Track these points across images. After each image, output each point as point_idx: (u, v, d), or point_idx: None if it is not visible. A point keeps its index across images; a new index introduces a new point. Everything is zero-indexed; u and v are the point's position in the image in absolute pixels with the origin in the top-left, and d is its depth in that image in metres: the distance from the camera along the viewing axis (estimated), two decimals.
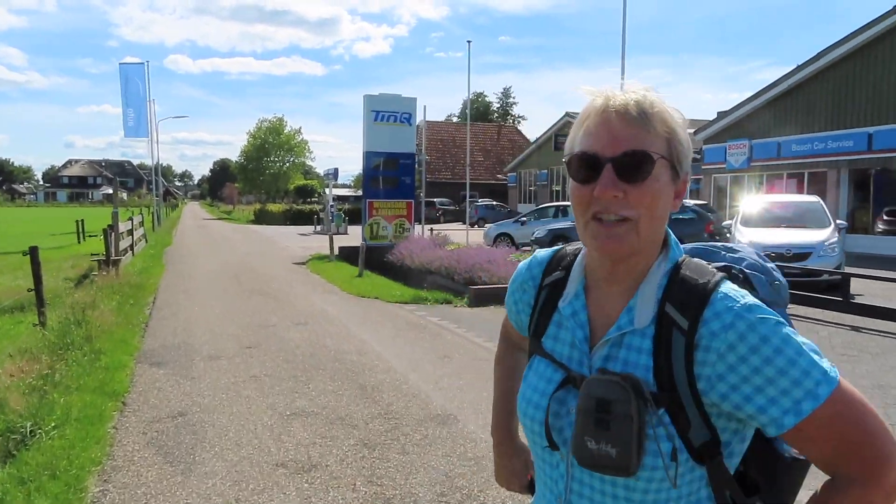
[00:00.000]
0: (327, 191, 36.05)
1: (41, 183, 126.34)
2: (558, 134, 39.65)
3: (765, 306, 0.96)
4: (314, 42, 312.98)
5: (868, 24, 19.57)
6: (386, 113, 19.95)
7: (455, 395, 5.55)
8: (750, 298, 0.97)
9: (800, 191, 21.21)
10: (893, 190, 20.11)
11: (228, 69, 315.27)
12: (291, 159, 57.09)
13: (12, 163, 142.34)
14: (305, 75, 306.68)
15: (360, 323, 8.84)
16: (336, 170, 32.14)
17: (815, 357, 0.93)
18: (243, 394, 5.58)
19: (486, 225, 31.01)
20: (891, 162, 19.36)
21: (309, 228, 34.69)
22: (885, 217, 20.00)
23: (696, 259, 1.05)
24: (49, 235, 27.52)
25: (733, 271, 1.08)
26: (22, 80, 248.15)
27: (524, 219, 21.53)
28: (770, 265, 1.13)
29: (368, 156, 19.77)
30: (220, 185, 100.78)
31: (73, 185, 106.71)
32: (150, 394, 5.57)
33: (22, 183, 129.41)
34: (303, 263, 17.23)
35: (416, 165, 21.39)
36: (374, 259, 18.37)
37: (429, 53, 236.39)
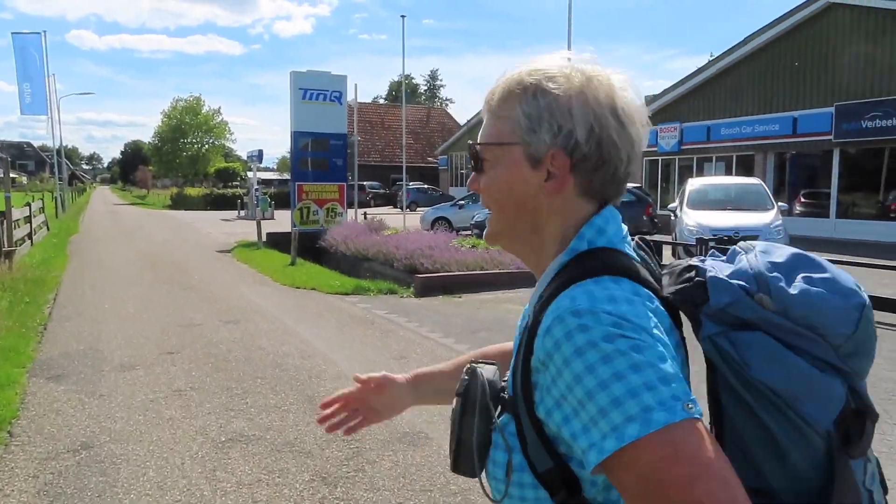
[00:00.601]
0: (251, 174, 34.19)
1: None
2: None
3: (608, 314, 0.76)
4: (231, 20, 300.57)
5: (793, 9, 19.84)
6: (315, 91, 18.94)
7: (422, 407, 4.75)
8: (599, 303, 0.77)
9: (728, 174, 21.46)
10: (808, 173, 20.64)
11: (139, 46, 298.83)
12: (211, 141, 54.14)
13: None
14: (223, 54, 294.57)
15: (299, 318, 7.89)
16: (260, 151, 30.50)
17: (647, 386, 0.71)
18: (165, 414, 4.59)
19: (419, 209, 30.20)
20: (812, 146, 19.77)
21: (232, 214, 32.88)
22: (802, 199, 20.48)
23: (608, 252, 0.86)
24: None
25: (691, 273, 0.87)
26: None
27: (462, 202, 20.86)
28: (782, 275, 0.83)
29: (296, 136, 18.70)
30: (132, 168, 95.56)
31: None
32: (46, 419, 4.50)
33: None
34: (228, 251, 15.95)
35: (347, 147, 20.43)
36: (305, 246, 17.38)
37: (352, 35, 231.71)
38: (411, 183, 42.96)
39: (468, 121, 42.91)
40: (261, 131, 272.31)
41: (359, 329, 7.34)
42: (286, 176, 51.43)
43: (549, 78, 0.88)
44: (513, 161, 0.89)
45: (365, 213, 22.12)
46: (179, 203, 42.46)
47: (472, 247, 13.01)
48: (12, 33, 28.07)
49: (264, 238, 17.64)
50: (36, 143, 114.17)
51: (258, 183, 30.60)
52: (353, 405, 1.27)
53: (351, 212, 20.03)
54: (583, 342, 0.75)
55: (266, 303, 8.90)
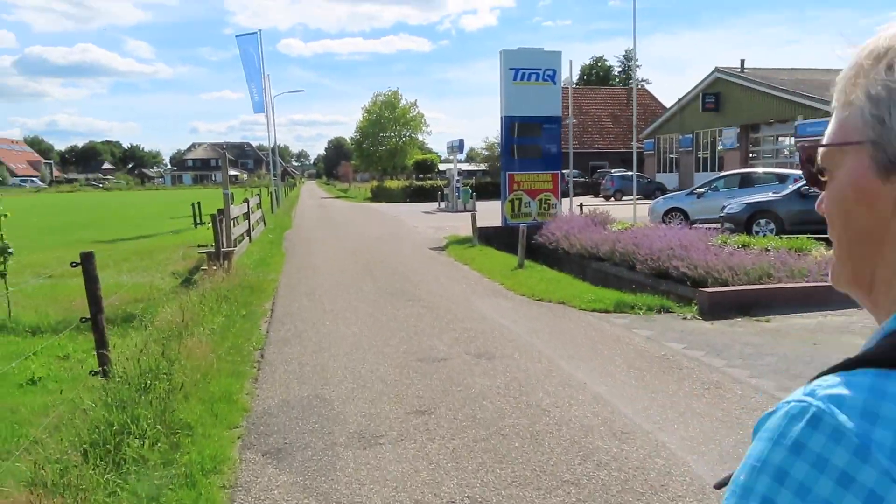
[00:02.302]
0: (450, 165, 33.37)
1: (169, 167, 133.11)
2: (706, 92, 34.85)
3: (855, 437, 0.47)
4: (420, 18, 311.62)
5: None
6: (527, 71, 17.10)
7: None
8: (850, 411, 0.48)
9: None
10: None
11: (339, 50, 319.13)
12: (408, 134, 54.85)
13: (143, 148, 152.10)
14: (413, 52, 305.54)
15: (570, 353, 5.79)
16: (461, 141, 29.30)
17: None
18: None
19: (624, 198, 27.22)
20: None
21: (432, 206, 32.18)
22: None
23: None
24: (169, 219, 26.58)
25: None
26: (150, 72, 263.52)
27: (700, 190, 17.70)
28: None
29: (507, 121, 17.01)
30: (335, 163, 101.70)
31: (197, 167, 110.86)
32: None
33: (152, 167, 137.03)
34: (441, 249, 14.47)
35: (562, 132, 18.37)
36: (516, 241, 15.69)
37: (536, 23, 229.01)
38: (614, 170, 39.78)
39: (680, 99, 38.57)
40: (449, 124, 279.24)
41: (668, 379, 5.06)
42: (482, 167, 50.67)
43: None
44: (854, 168, 0.59)
45: (581, 205, 19.86)
46: (380, 196, 43.05)
47: (742, 247, 10.20)
48: (237, 36, 29.88)
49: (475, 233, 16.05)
50: (254, 144, 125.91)
51: (459, 174, 29.45)
52: None
53: (564, 203, 17.97)
54: (774, 465, 0.49)
55: (514, 324, 6.95)
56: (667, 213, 17.24)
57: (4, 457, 3.42)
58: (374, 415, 4.35)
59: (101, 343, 4.27)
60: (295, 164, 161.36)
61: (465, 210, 28.47)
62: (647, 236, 11.37)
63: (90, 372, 4.42)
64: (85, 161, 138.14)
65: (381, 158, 55.12)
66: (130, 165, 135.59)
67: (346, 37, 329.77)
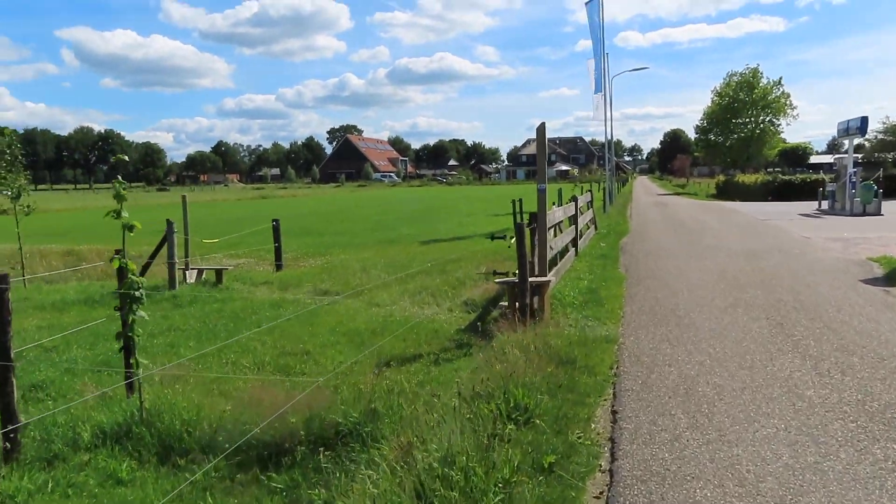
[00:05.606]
0: (837, 156, 25.55)
1: (505, 162, 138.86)
2: None
3: None
4: None
5: None
6: None
7: None
8: None
9: None
10: None
11: (678, 38, 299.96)
12: (767, 119, 45.97)
13: (483, 146, 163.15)
14: (763, 34, 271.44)
15: None
16: (863, 120, 21.55)
17: None
18: None
19: None
20: None
21: (807, 206, 24.87)
22: None
23: None
24: (492, 216, 24.46)
25: None
26: (495, 74, 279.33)
27: None
28: None
29: None
30: (669, 157, 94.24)
31: (529, 163, 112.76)
32: None
33: (490, 163, 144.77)
34: (885, 283, 8.78)
35: None
36: None
37: None
38: None
39: None
40: (805, 112, 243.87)
41: None
42: (857, 157, 39.85)
43: None
44: None
45: None
46: (728, 192, 36.27)
47: None
48: (586, 3, 27.26)
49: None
50: (587, 139, 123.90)
51: (855, 164, 21.80)
52: None
53: None
54: None
55: None
56: None
57: None
58: None
59: None
60: (627, 158, 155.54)
61: (864, 213, 21.04)
62: None
63: None
64: (434, 158, 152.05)
65: (730, 149, 47.18)
66: (472, 162, 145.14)
67: (688, 23, 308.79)
